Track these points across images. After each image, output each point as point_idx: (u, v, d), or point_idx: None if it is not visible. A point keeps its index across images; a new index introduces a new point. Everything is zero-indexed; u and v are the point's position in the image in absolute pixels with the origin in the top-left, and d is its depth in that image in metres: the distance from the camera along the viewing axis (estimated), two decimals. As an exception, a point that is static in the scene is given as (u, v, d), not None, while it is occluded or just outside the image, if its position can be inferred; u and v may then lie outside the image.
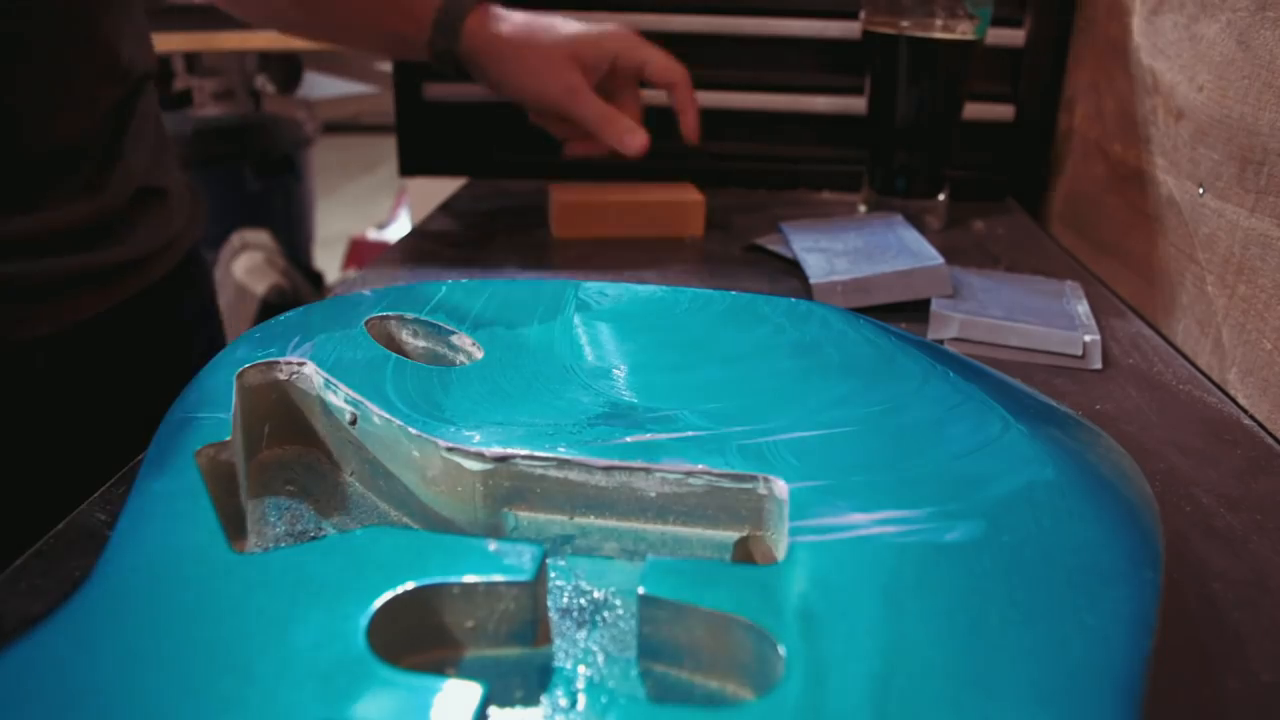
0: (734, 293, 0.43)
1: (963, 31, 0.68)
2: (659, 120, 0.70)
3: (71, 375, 0.50)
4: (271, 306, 1.27)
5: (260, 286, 1.27)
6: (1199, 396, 0.48)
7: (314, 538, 0.31)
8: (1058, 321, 0.53)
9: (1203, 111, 0.54)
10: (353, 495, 0.33)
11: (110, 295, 0.51)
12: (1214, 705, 0.28)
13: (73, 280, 0.49)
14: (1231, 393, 0.49)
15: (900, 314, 0.54)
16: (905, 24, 0.68)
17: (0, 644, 0.25)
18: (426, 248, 0.67)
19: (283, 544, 0.30)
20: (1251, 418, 0.46)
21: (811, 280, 0.57)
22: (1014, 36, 0.78)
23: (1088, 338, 0.51)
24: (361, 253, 2.34)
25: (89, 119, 0.50)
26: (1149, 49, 0.62)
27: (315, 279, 1.68)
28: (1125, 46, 0.65)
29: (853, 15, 0.74)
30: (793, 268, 0.61)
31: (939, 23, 0.67)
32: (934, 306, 0.54)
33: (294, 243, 1.68)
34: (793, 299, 0.42)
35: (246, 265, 1.28)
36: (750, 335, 0.39)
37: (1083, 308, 0.56)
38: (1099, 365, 0.50)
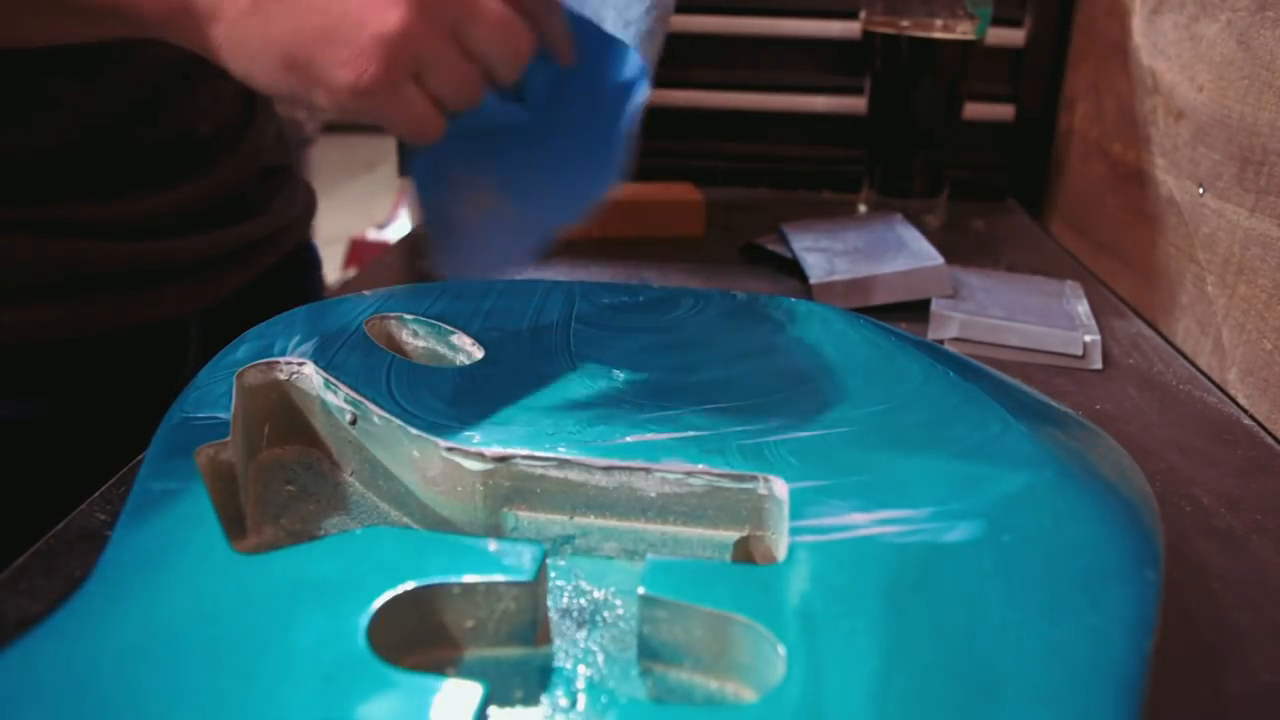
0: (734, 293, 0.43)
1: (963, 31, 0.68)
2: (659, 120, 0.70)
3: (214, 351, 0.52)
4: (272, 306, 1.28)
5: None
6: (1199, 396, 0.48)
7: (314, 538, 0.31)
8: (1058, 321, 0.53)
9: (1203, 111, 0.54)
10: (353, 495, 0.33)
11: (248, 270, 0.55)
12: (1214, 705, 0.28)
13: (217, 256, 0.52)
14: (1231, 393, 0.49)
15: (900, 314, 0.54)
16: (905, 24, 0.68)
17: (0, 644, 0.25)
18: (427, 248, 0.67)
19: (283, 544, 0.30)
20: (1251, 418, 0.46)
21: (811, 280, 0.57)
22: (1014, 36, 0.78)
23: (1088, 338, 0.51)
24: (361, 253, 2.33)
25: (220, 102, 0.53)
26: (1149, 49, 0.62)
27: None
28: (1125, 46, 0.65)
29: (853, 15, 0.74)
30: (793, 268, 0.61)
31: (939, 23, 0.67)
32: (934, 306, 0.54)
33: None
34: (793, 299, 0.42)
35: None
36: (750, 335, 0.39)
37: (1083, 308, 0.56)
38: (1099, 365, 0.50)
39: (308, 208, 0.63)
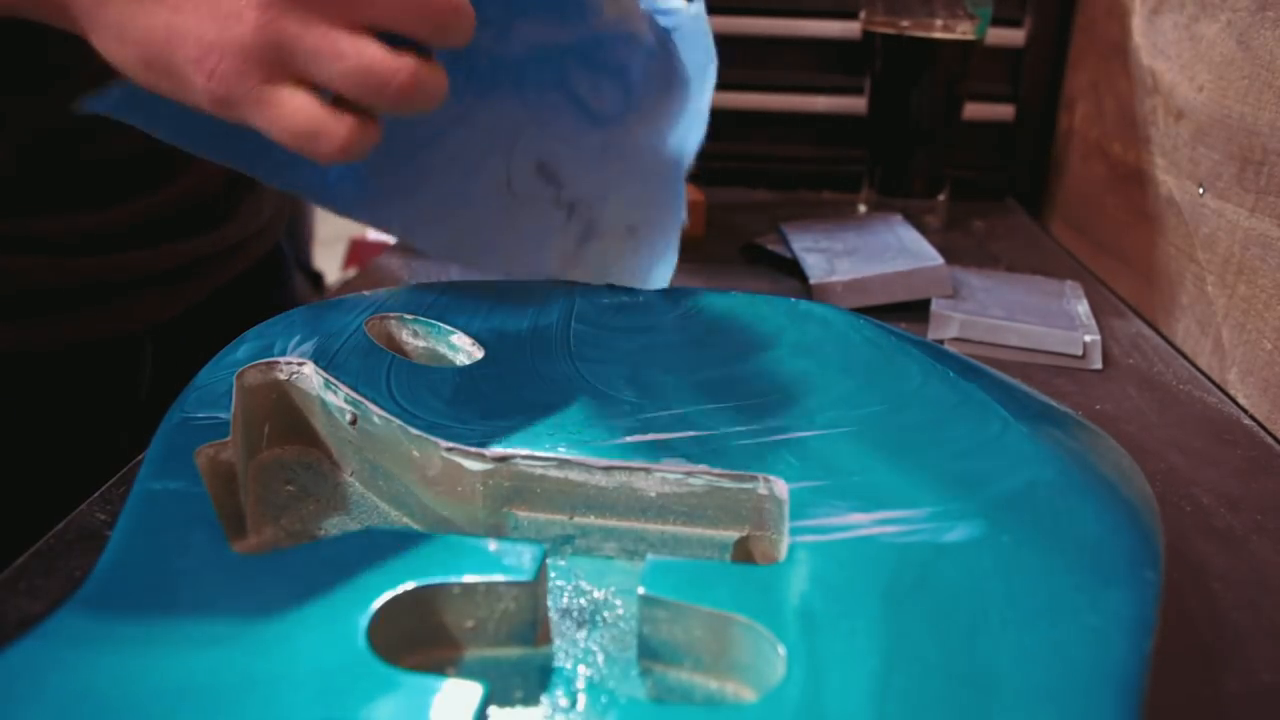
0: (734, 292, 0.43)
1: (963, 31, 0.68)
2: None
3: (176, 362, 0.51)
4: (272, 306, 1.27)
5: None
6: (1199, 396, 0.48)
7: (314, 538, 0.31)
8: (1058, 321, 0.53)
9: (1203, 111, 0.54)
10: (353, 495, 0.33)
11: (214, 280, 0.53)
12: (1214, 705, 0.28)
13: (182, 266, 0.50)
14: (1231, 393, 0.49)
15: (900, 314, 0.54)
16: (905, 24, 0.68)
17: (0, 644, 0.25)
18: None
19: (283, 544, 0.30)
20: (1251, 418, 0.46)
21: (811, 280, 0.57)
22: (1014, 36, 0.78)
23: (1088, 338, 0.51)
24: (361, 253, 2.33)
25: None
26: (1149, 49, 0.62)
27: (315, 279, 1.67)
28: (1125, 46, 0.65)
29: (853, 15, 0.74)
30: (793, 268, 0.61)
31: (939, 23, 0.67)
32: (934, 306, 0.54)
33: (294, 243, 1.68)
34: (793, 299, 0.42)
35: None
36: (750, 335, 0.39)
37: (1083, 308, 0.56)
38: (1099, 365, 0.50)
39: (278, 213, 0.60)
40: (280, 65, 0.30)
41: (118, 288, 0.48)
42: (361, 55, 0.30)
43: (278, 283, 0.63)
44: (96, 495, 0.35)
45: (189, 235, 0.51)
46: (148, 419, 0.48)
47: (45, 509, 0.34)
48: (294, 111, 0.30)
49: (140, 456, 0.37)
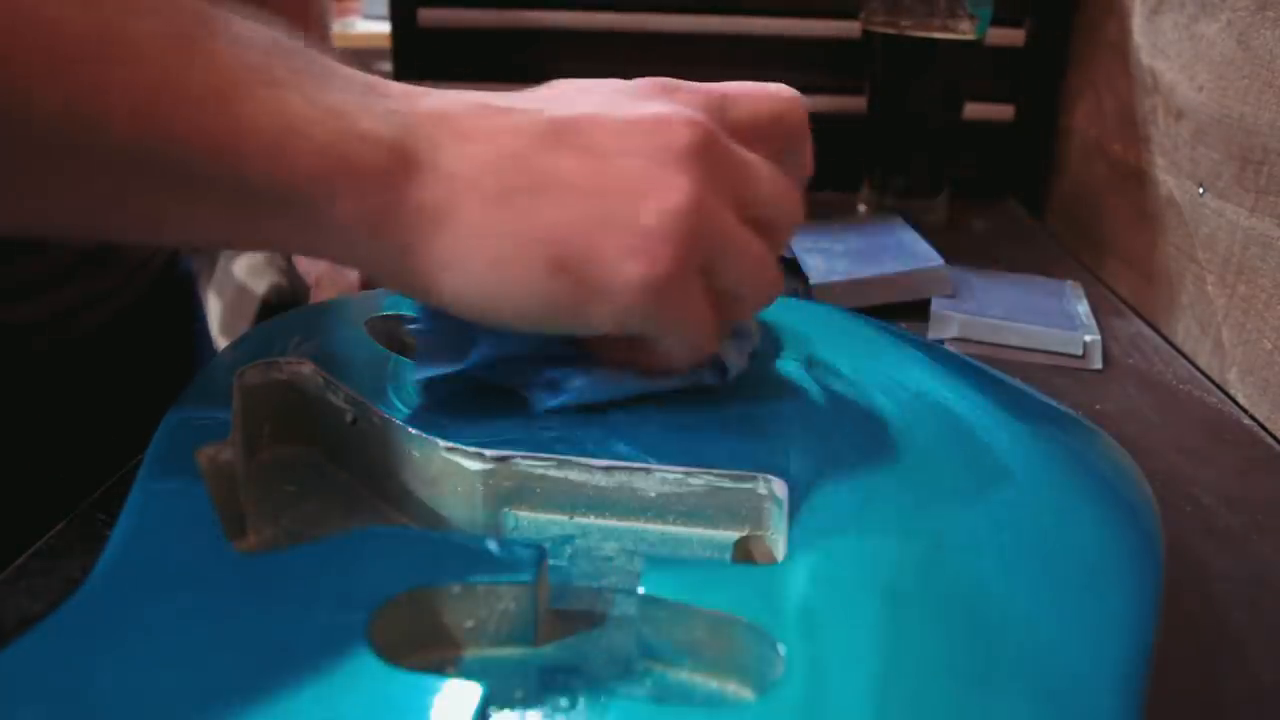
0: None
1: (963, 31, 0.68)
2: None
3: (76, 368, 0.50)
4: (271, 306, 1.27)
5: (260, 286, 1.26)
6: (1199, 396, 0.48)
7: (314, 538, 0.31)
8: (1058, 321, 0.53)
9: (1203, 111, 0.54)
10: (353, 495, 0.33)
11: (115, 302, 0.51)
12: (1214, 705, 0.28)
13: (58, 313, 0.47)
14: (1231, 392, 0.49)
15: (900, 314, 0.54)
16: (905, 24, 0.68)
17: (0, 643, 0.25)
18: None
19: (282, 544, 0.30)
20: (1251, 417, 0.46)
21: (811, 280, 0.57)
22: (1014, 36, 0.78)
23: (1088, 337, 0.51)
24: (361, 253, 2.33)
25: None
26: (1149, 49, 0.62)
27: (316, 279, 1.67)
28: (1125, 46, 0.65)
29: (853, 15, 0.74)
30: (793, 268, 0.61)
31: (939, 23, 0.67)
32: (934, 306, 0.54)
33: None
34: (793, 298, 0.42)
35: (246, 265, 1.27)
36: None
37: (1083, 307, 0.56)
38: (1099, 365, 0.50)
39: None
40: (704, 255, 0.27)
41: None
42: (759, 247, 0.28)
43: (185, 300, 0.59)
44: (97, 495, 0.35)
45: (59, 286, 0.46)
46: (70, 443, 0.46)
47: (74, 503, 0.34)
48: (706, 307, 0.27)
49: (140, 457, 0.37)
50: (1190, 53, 0.56)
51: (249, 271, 1.28)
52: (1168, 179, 0.58)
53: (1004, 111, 0.80)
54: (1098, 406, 0.46)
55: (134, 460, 0.37)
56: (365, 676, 0.21)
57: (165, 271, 0.57)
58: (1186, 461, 0.41)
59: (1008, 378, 0.37)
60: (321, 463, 0.34)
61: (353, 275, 0.51)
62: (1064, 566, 0.25)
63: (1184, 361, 0.52)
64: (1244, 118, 0.49)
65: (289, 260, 1.45)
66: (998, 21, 0.71)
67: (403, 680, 0.21)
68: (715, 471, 0.29)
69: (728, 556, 0.29)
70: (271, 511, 0.32)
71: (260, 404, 0.34)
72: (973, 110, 0.74)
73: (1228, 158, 0.51)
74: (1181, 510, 0.37)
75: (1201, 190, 0.54)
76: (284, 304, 1.25)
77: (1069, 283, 0.60)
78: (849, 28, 0.76)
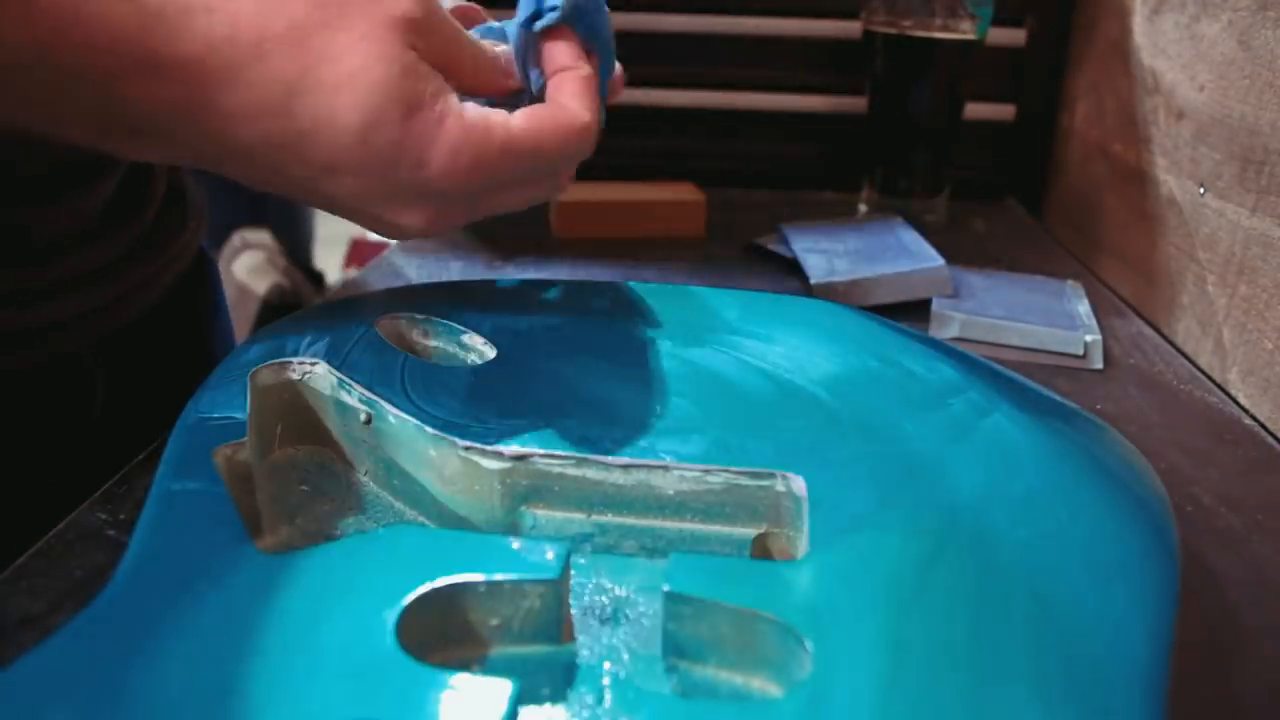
0: (745, 291, 0.43)
1: (963, 31, 0.68)
2: (659, 120, 0.70)
3: (125, 381, 0.50)
4: (272, 306, 1.27)
5: (261, 286, 1.26)
6: (1200, 396, 0.48)
7: (330, 538, 0.31)
8: (1059, 321, 0.53)
9: (1203, 111, 0.54)
10: (367, 495, 0.33)
11: (148, 295, 0.49)
12: (1215, 705, 0.28)
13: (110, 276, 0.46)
14: (1232, 392, 0.49)
15: (901, 314, 0.54)
16: (905, 24, 0.68)
17: (1, 643, 0.25)
18: (427, 247, 0.67)
19: (298, 544, 0.30)
20: (1252, 417, 0.46)
21: (811, 280, 0.57)
22: (1014, 36, 0.78)
23: (1089, 337, 0.51)
24: (362, 253, 2.32)
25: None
26: (1149, 49, 0.62)
27: (316, 279, 1.66)
28: (1125, 46, 0.66)
29: (853, 15, 0.74)
30: (793, 268, 0.61)
31: (939, 22, 0.68)
32: (935, 306, 0.54)
33: (295, 242, 1.67)
34: (803, 297, 0.43)
35: (247, 265, 1.27)
36: (762, 333, 0.39)
37: (1083, 307, 0.56)
38: (1100, 365, 0.50)
39: (199, 220, 0.55)
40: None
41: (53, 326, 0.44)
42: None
43: (210, 286, 0.59)
44: (97, 495, 0.35)
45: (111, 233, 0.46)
46: (103, 437, 0.46)
47: (74, 504, 0.34)
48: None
49: (140, 456, 0.37)
50: (1191, 53, 0.56)
51: (249, 271, 1.28)
52: (1168, 179, 0.59)
53: (1004, 111, 0.80)
54: (1098, 406, 0.46)
55: (133, 460, 0.37)
56: (397, 674, 0.21)
57: (195, 264, 0.57)
58: (1187, 461, 0.41)
59: (1015, 374, 0.38)
60: (334, 462, 0.34)
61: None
62: (1081, 560, 0.26)
63: (1185, 361, 0.52)
64: (1245, 118, 0.50)
65: (289, 260, 1.45)
66: (998, 21, 0.71)
67: (435, 678, 0.21)
68: (733, 469, 0.29)
69: (746, 553, 0.29)
70: (286, 511, 0.32)
71: (273, 404, 0.34)
72: (973, 110, 0.74)
73: (1229, 158, 0.51)
74: (1182, 510, 0.37)
75: (1202, 190, 0.54)
76: (284, 304, 1.25)
77: (1069, 283, 0.60)
78: (849, 28, 0.77)
